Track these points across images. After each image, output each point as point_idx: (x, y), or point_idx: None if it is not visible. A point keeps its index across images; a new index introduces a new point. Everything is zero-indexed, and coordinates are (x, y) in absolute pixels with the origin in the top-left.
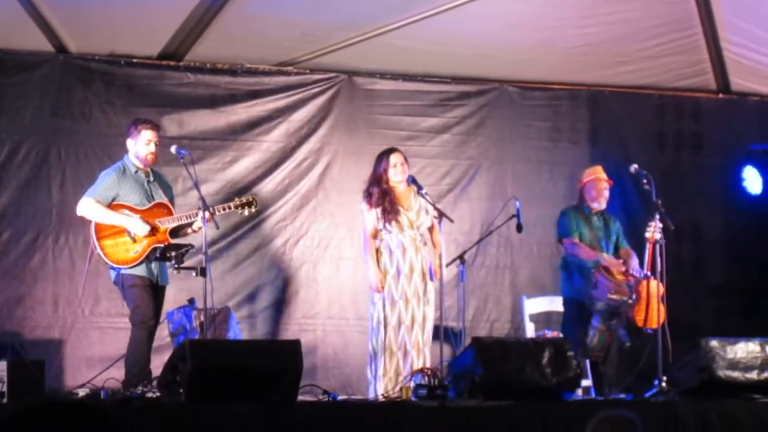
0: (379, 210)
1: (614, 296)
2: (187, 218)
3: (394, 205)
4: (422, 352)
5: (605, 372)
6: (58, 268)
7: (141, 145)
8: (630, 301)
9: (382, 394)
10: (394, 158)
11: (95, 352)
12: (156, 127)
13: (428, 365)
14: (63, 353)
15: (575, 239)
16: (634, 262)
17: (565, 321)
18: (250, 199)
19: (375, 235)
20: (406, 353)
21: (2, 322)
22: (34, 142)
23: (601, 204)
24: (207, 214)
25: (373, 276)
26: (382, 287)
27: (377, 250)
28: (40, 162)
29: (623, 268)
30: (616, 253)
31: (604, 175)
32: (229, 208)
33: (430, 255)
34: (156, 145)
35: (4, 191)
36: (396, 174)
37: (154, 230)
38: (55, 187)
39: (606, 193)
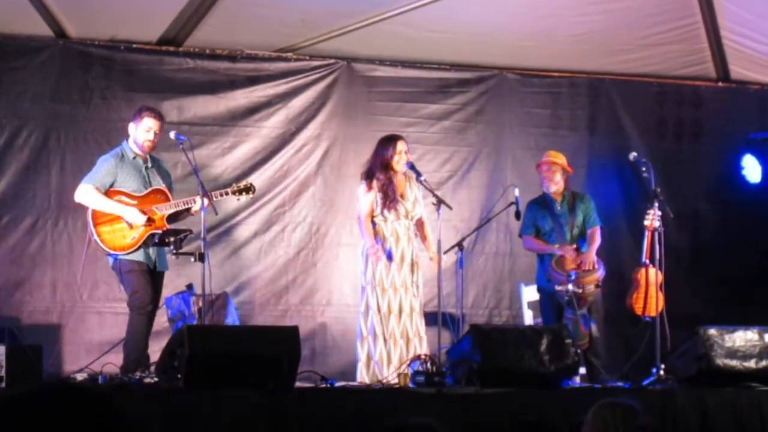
0: (380, 195)
1: (560, 287)
2: (184, 204)
3: (395, 193)
4: (412, 342)
5: (592, 360)
6: (56, 252)
7: (141, 131)
8: (574, 290)
9: (379, 380)
10: (400, 146)
11: (93, 337)
12: (160, 117)
13: (421, 353)
14: (61, 338)
15: (530, 236)
16: (594, 247)
17: (540, 310)
18: (248, 185)
19: (371, 218)
20: (395, 342)
21: (0, 306)
22: (33, 127)
23: (549, 187)
24: (206, 200)
25: (372, 249)
26: (388, 260)
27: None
28: (40, 147)
29: (578, 259)
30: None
31: (553, 158)
32: (227, 194)
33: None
34: (155, 134)
35: (4, 176)
36: (399, 162)
37: (150, 219)
38: (55, 172)
39: (553, 176)
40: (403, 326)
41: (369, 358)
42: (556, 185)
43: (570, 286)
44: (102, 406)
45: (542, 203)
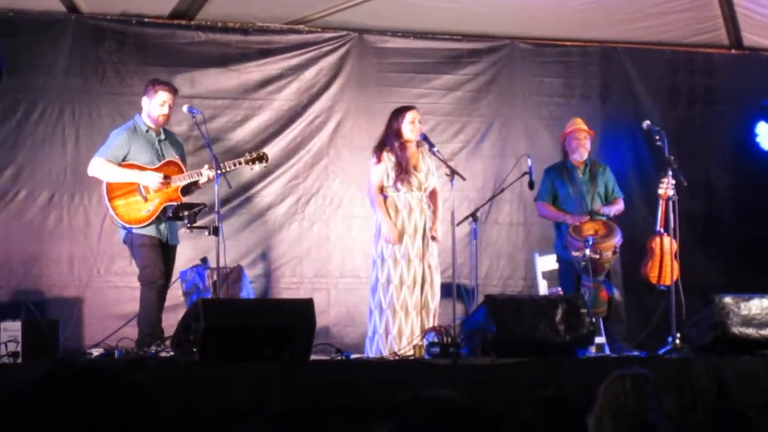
0: (392, 167)
1: (576, 253)
2: (198, 175)
3: (408, 164)
4: (431, 312)
5: (610, 327)
6: (73, 227)
7: (155, 105)
8: (591, 256)
9: (394, 353)
10: (411, 115)
11: (110, 311)
12: (173, 90)
13: (435, 325)
14: (78, 312)
15: (545, 203)
16: (612, 210)
17: (559, 279)
18: (261, 154)
19: (381, 191)
20: (407, 313)
21: (18, 281)
22: (48, 102)
23: (582, 155)
24: (218, 171)
25: (387, 230)
26: (399, 240)
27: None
28: (55, 121)
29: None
30: (607, 202)
31: (583, 126)
32: (240, 163)
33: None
34: (170, 107)
35: (20, 150)
36: (411, 132)
37: (166, 183)
38: (70, 146)
39: (586, 143)
40: (416, 298)
41: (387, 332)
42: (587, 152)
43: (587, 252)
44: (118, 384)
45: (561, 170)
